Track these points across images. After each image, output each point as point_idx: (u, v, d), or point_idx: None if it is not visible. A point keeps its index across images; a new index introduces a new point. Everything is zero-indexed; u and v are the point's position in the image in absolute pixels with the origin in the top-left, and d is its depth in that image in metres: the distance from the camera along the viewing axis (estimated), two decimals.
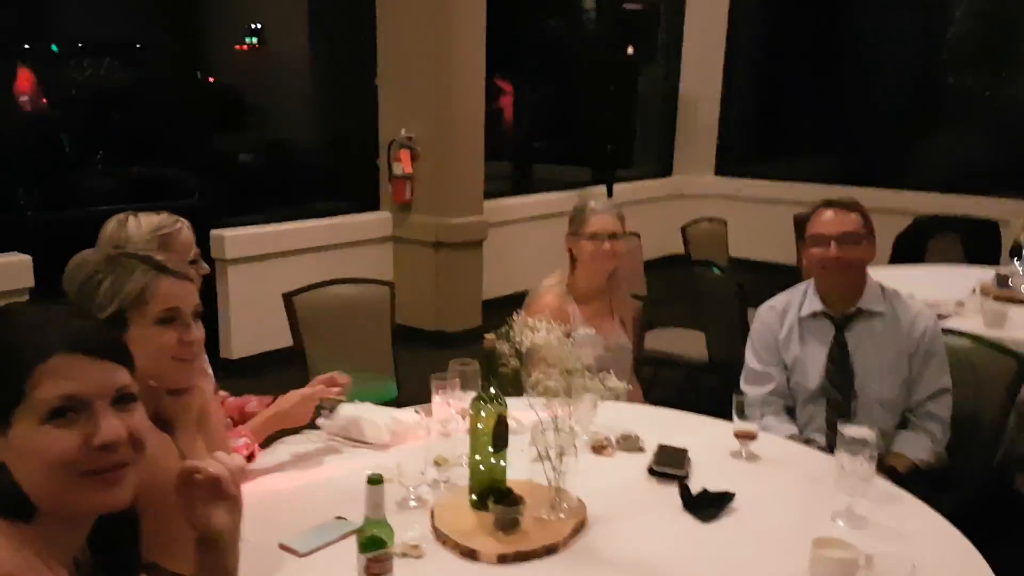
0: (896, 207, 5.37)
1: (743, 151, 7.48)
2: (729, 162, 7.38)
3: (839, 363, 2.39)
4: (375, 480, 1.47)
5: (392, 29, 5.10)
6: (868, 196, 5.71)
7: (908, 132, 7.19)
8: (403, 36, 5.06)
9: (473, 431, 1.78)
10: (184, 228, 2.09)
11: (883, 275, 3.47)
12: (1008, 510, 1.82)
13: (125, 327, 1.50)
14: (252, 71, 5.27)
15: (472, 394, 2.04)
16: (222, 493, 1.21)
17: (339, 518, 1.71)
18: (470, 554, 1.63)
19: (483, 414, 1.76)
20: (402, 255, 5.23)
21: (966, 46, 7.12)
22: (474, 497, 1.78)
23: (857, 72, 7.20)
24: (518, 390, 1.75)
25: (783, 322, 2.49)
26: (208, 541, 1.20)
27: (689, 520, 1.77)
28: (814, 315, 2.43)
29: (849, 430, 1.90)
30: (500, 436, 1.76)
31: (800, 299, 2.49)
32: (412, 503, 1.82)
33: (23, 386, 0.97)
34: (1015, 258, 3.60)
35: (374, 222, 5.23)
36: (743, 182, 7.11)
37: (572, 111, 6.69)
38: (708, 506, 1.79)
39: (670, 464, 1.97)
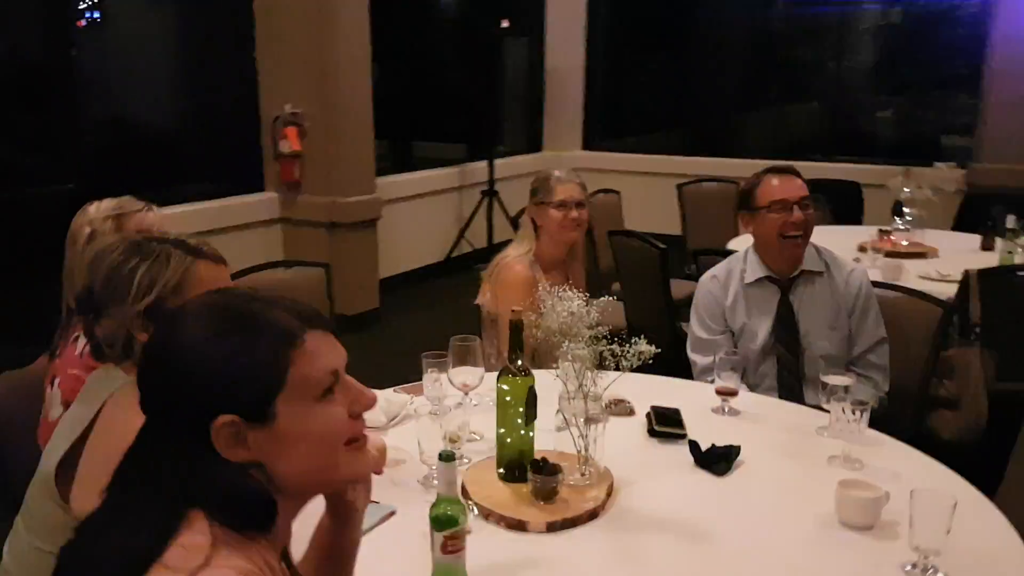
0: (739, 175, 5.60)
1: (609, 124, 7.71)
2: (596, 136, 7.59)
3: (786, 324, 2.54)
4: (448, 457, 1.44)
5: (270, 1, 4.86)
6: (715, 166, 6.23)
7: (748, 104, 7.70)
8: (282, 7, 4.83)
9: (501, 404, 1.77)
10: (143, 211, 2.00)
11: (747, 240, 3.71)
12: (924, 446, 2.01)
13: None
14: (106, 47, 4.84)
15: (477, 369, 2.04)
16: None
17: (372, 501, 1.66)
18: (518, 525, 1.63)
19: (510, 387, 1.76)
20: (293, 237, 5.04)
21: (796, 21, 7.69)
22: (502, 471, 1.78)
23: (702, 46, 7.60)
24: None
25: (727, 290, 2.60)
26: (348, 515, 1.18)
27: (705, 475, 1.85)
28: (759, 281, 2.56)
29: (831, 379, 2.06)
30: (531, 407, 1.76)
31: (741, 267, 2.61)
32: (435, 481, 1.79)
33: (284, 374, 0.91)
34: (896, 216, 3.95)
35: (260, 204, 5.00)
36: (609, 156, 7.33)
37: (443, 87, 6.65)
38: (719, 460, 1.88)
39: (670, 424, 2.04)
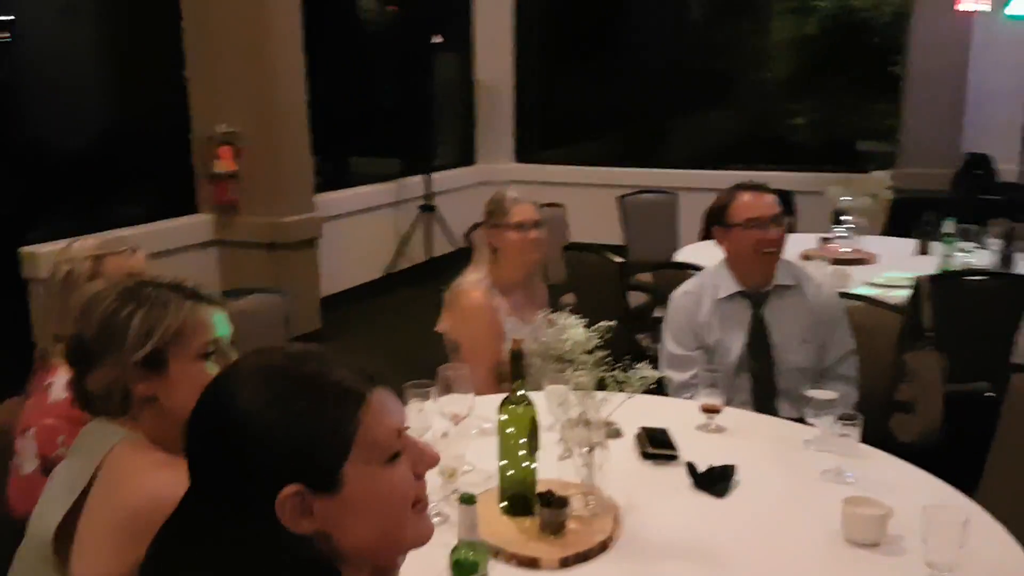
0: (671, 184, 5.70)
1: (539, 137, 7.74)
2: (527, 148, 7.60)
3: (759, 338, 2.55)
4: (468, 500, 1.38)
5: (200, 17, 4.69)
6: (648, 176, 6.34)
7: (674, 113, 7.86)
8: (213, 24, 4.66)
9: (502, 435, 1.72)
10: (126, 253, 1.93)
11: (700, 251, 3.78)
12: (887, 450, 2.06)
13: (165, 366, 1.29)
14: (20, 68, 4.58)
15: (466, 397, 1.98)
16: None
17: None
18: (530, 563, 1.58)
19: (511, 417, 1.71)
20: (229, 260, 4.86)
21: (715, 33, 7.89)
22: (505, 504, 1.73)
23: (629, 57, 7.72)
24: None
25: (701, 306, 2.61)
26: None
27: (705, 497, 1.84)
28: (732, 296, 2.58)
29: (817, 394, 2.08)
30: (533, 438, 1.72)
31: (713, 282, 2.62)
32: (436, 519, 1.72)
33: (352, 437, 0.85)
34: (836, 224, 4.05)
35: (192, 226, 4.80)
36: (542, 168, 7.35)
37: (376, 102, 6.56)
38: (718, 481, 1.87)
39: (662, 446, 2.02)
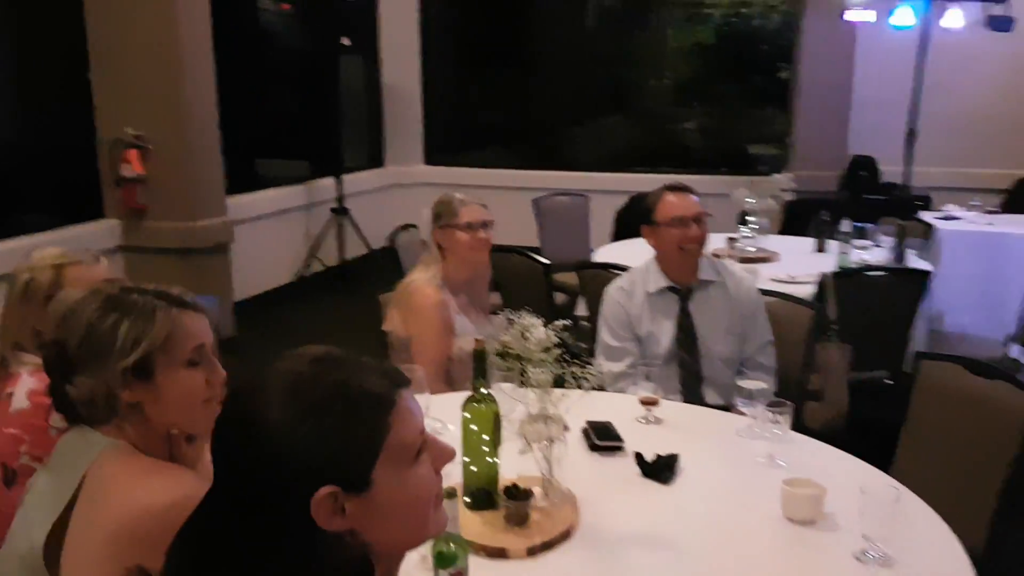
0: (578, 187, 5.81)
1: (448, 140, 7.78)
2: (437, 151, 7.64)
3: (686, 330, 2.71)
4: (450, 494, 1.44)
5: (104, 18, 4.52)
6: (556, 179, 6.50)
7: (578, 118, 8.06)
8: (118, 25, 4.51)
9: (466, 432, 1.78)
10: (89, 263, 1.89)
11: (616, 251, 3.91)
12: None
13: (151, 374, 1.29)
14: None
15: (422, 396, 2.02)
16: None
17: None
18: (499, 553, 1.65)
19: (475, 415, 1.77)
20: (138, 266, 4.70)
21: (614, 41, 8.13)
22: (468, 499, 1.79)
23: (533, 62, 7.87)
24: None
25: (633, 300, 2.75)
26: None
27: (653, 485, 1.95)
28: (661, 291, 2.73)
29: (749, 384, 2.22)
30: (497, 434, 1.78)
31: (643, 278, 2.77)
32: None
33: (383, 440, 0.89)
34: (742, 224, 4.27)
35: (99, 232, 4.63)
36: (452, 170, 7.40)
37: (285, 104, 6.46)
38: (664, 470, 1.98)
39: (609, 438, 2.13)
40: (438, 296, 2.63)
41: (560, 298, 4.32)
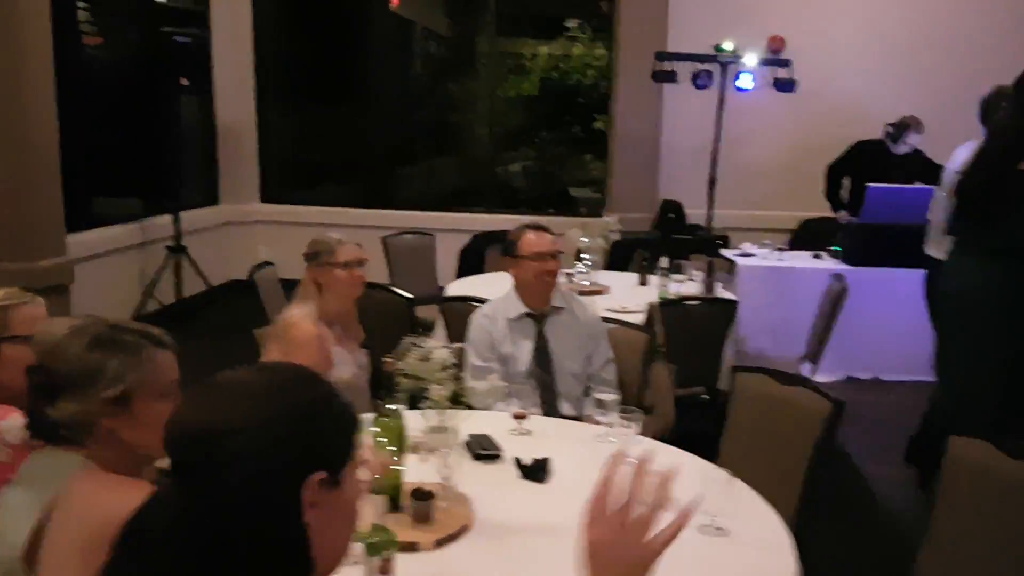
0: (415, 225, 6.11)
1: (284, 178, 7.85)
2: (273, 189, 7.68)
3: (542, 350, 3.08)
4: (378, 491, 1.68)
5: None
6: (390, 218, 6.80)
7: (412, 160, 8.39)
8: None
9: (376, 445, 2.01)
10: (30, 303, 1.98)
11: (470, 285, 4.24)
12: None
13: (131, 404, 1.45)
14: None
15: None
16: None
17: None
18: (410, 547, 1.89)
19: (384, 428, 2.01)
20: None
21: (445, 88, 8.57)
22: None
23: (367, 103, 8.14)
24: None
25: (496, 325, 3.09)
26: None
27: (531, 485, 2.26)
28: (520, 316, 3.08)
29: (604, 396, 2.60)
30: (402, 446, 2.03)
31: (504, 306, 3.12)
32: None
33: (354, 444, 1.04)
34: (578, 261, 4.73)
35: None
36: (288, 208, 7.48)
37: (122, 143, 6.32)
38: (539, 471, 2.30)
39: (488, 447, 2.42)
40: (316, 330, 2.82)
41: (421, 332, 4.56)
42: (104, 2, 6.29)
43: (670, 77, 6.26)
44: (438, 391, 2.02)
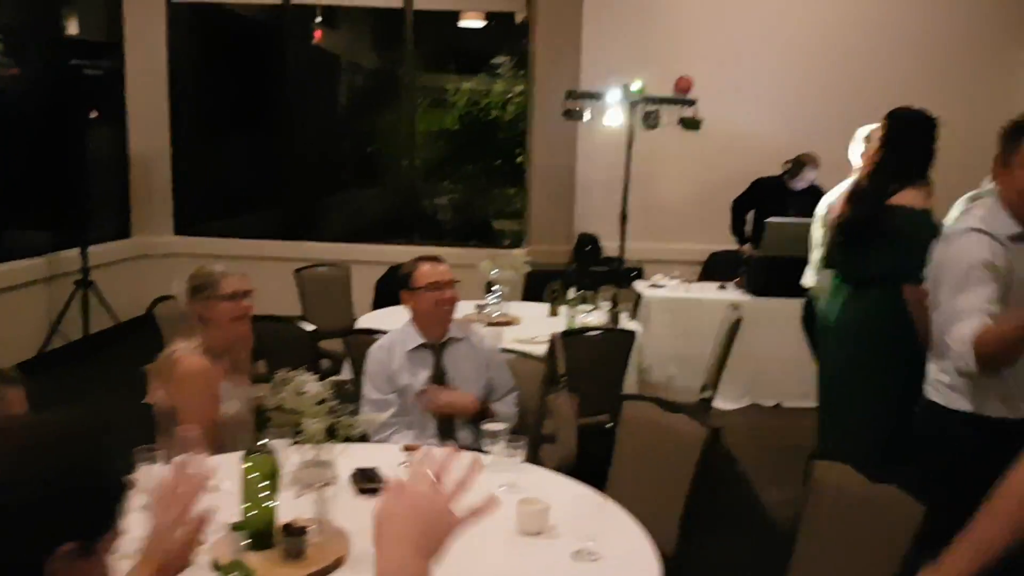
0: (334, 257, 6.12)
1: (201, 210, 7.75)
2: (188, 221, 7.58)
3: (440, 380, 3.11)
4: (238, 527, 1.68)
5: None
6: (310, 250, 6.79)
7: (334, 192, 8.38)
8: None
9: (246, 481, 2.01)
10: None
11: (379, 318, 4.26)
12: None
13: None
14: None
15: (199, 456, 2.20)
16: None
17: None
18: None
19: (256, 464, 2.01)
20: None
21: (367, 120, 8.62)
22: (248, 541, 2.01)
23: (291, 134, 8.11)
24: None
25: (393, 357, 3.11)
26: None
27: None
28: (417, 348, 3.11)
29: (490, 426, 2.64)
30: (275, 481, 2.03)
31: (402, 338, 3.15)
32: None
33: (116, 513, 1.01)
34: (488, 293, 4.78)
35: None
36: (205, 240, 7.38)
37: (29, 176, 6.18)
38: None
39: (372, 480, 2.43)
40: (201, 364, 2.79)
41: (325, 364, 4.55)
42: (15, 36, 6.18)
43: (579, 115, 6.43)
44: (313, 425, 2.03)
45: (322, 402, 2.05)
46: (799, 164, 5.71)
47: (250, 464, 2.01)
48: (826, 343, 3.49)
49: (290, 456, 2.12)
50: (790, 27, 6.99)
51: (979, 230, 2.35)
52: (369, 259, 6.58)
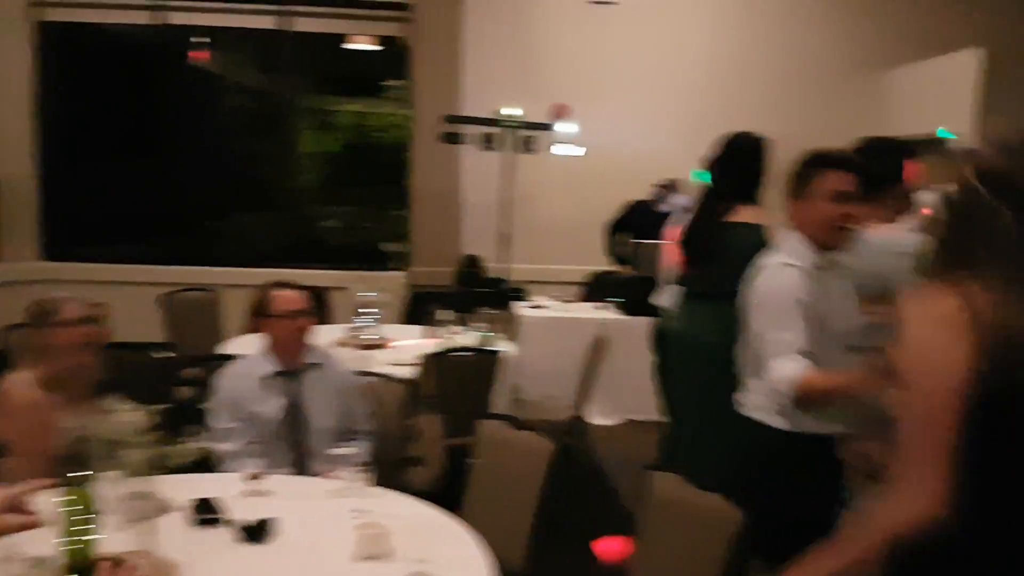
0: (214, 282, 6.08)
1: (73, 235, 7.44)
2: (58, 246, 7.27)
3: (295, 408, 3.06)
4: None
5: None
6: (185, 274, 6.61)
7: (216, 216, 8.17)
8: None
9: (64, 515, 1.93)
10: None
11: (246, 343, 4.19)
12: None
13: None
14: None
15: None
16: None
17: None
18: None
19: (74, 497, 1.93)
20: None
21: (250, 142, 8.47)
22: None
23: (171, 156, 7.90)
24: None
25: (244, 384, 3.05)
26: None
27: (251, 547, 2.24)
28: (271, 375, 3.06)
29: (339, 450, 2.62)
30: (95, 513, 1.96)
31: (254, 365, 3.10)
32: None
33: None
34: (360, 315, 4.74)
35: None
36: (75, 266, 7.08)
37: None
38: (257, 532, 2.28)
39: (210, 511, 2.37)
40: (29, 394, 2.68)
41: (188, 392, 4.42)
42: None
43: (458, 139, 6.50)
44: (134, 456, 1.97)
45: (146, 432, 1.99)
46: (668, 188, 5.94)
47: (67, 497, 1.93)
48: (677, 358, 3.61)
49: (115, 488, 2.05)
50: (666, 58, 7.24)
51: (792, 265, 2.48)
52: (248, 283, 6.41)
